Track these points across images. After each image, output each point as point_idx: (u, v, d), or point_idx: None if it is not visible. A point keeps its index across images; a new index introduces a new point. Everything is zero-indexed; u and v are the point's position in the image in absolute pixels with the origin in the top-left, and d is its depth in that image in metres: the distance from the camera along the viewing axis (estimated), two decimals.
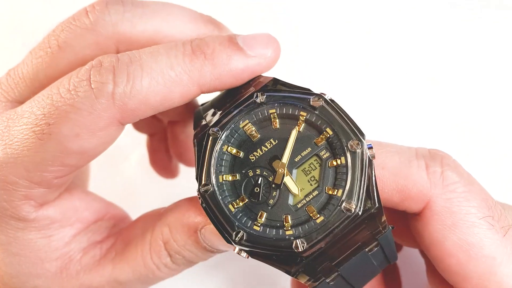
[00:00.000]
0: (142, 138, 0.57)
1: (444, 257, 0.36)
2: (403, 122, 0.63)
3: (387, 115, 0.64)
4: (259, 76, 0.38)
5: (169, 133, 0.53)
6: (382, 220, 0.36)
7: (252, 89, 0.37)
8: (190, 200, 0.39)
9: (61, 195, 0.39)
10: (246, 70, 0.36)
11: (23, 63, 0.39)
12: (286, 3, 0.69)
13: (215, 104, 0.39)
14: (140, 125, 0.53)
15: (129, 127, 0.53)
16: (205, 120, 0.38)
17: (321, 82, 0.63)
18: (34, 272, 0.38)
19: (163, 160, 0.55)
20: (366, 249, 0.36)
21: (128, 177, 0.64)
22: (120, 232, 0.42)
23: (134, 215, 0.61)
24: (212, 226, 0.36)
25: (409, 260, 0.52)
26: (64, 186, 0.38)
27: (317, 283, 0.36)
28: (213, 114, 0.38)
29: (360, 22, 0.68)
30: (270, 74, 0.38)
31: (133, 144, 0.62)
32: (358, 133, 0.35)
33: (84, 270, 0.39)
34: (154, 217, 0.40)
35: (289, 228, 0.35)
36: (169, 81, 0.34)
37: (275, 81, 0.37)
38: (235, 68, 0.35)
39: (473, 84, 0.64)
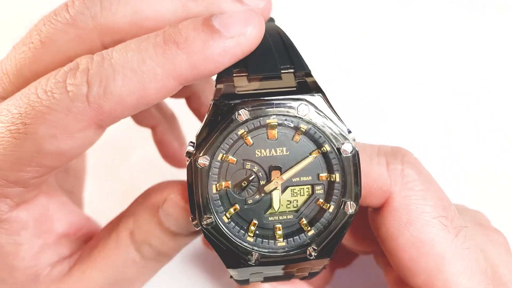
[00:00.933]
0: (142, 138, 0.57)
1: (397, 251, 0.37)
2: (394, 119, 0.63)
3: (380, 112, 0.64)
4: (302, 71, 0.36)
5: (192, 110, 0.51)
6: (325, 264, 0.37)
7: (294, 87, 0.35)
8: (155, 185, 0.38)
9: (37, 200, 0.38)
10: (225, 55, 0.33)
11: (7, 58, 0.38)
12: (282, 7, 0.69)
13: (251, 70, 0.36)
14: (139, 119, 0.53)
15: (130, 127, 0.53)
16: (234, 84, 0.35)
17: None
18: (3, 277, 0.38)
19: (173, 150, 0.54)
20: (295, 274, 0.38)
21: (128, 176, 0.64)
22: (88, 242, 0.41)
23: None
24: (174, 196, 0.35)
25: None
26: (41, 185, 0.37)
27: (241, 280, 0.37)
28: (244, 82, 0.35)
29: (357, 23, 0.68)
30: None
31: (133, 144, 0.62)
32: (358, 197, 0.35)
33: (54, 282, 0.38)
34: (119, 217, 0.40)
35: (251, 235, 0.35)
36: (142, 78, 0.32)
37: (323, 98, 0.35)
38: (212, 54, 0.33)
39: (467, 83, 0.64)
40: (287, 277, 0.38)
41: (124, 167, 0.64)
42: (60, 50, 0.36)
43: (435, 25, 0.68)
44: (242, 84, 0.35)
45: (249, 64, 0.35)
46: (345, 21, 0.69)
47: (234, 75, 0.35)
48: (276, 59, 0.36)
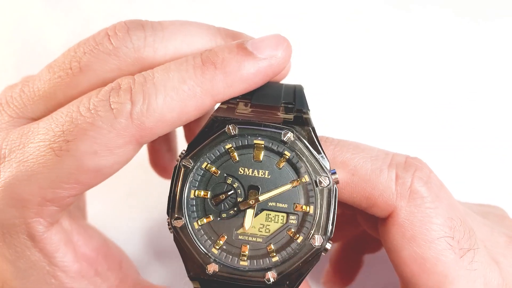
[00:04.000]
0: None
1: (400, 264, 0.37)
2: (399, 123, 0.63)
3: (386, 116, 0.64)
4: (302, 108, 0.38)
5: (185, 130, 0.53)
6: None
7: (290, 118, 0.37)
8: None
9: (62, 223, 0.39)
10: (258, 74, 0.36)
11: (39, 80, 0.39)
12: (286, 18, 0.69)
13: (255, 99, 0.39)
14: None
15: None
16: (236, 107, 0.38)
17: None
18: None
19: (163, 161, 0.55)
20: None
21: (129, 177, 0.64)
22: None
23: (134, 215, 0.62)
24: None
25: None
26: (70, 206, 0.38)
27: None
28: (245, 107, 0.38)
29: (361, 24, 0.68)
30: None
31: None
32: (329, 233, 0.36)
33: None
34: None
35: (217, 248, 0.36)
36: (183, 96, 0.35)
37: (312, 132, 0.37)
38: (247, 74, 0.36)
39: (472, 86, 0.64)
40: None
41: (125, 167, 0.65)
42: (98, 77, 0.38)
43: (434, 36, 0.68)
44: (243, 109, 0.38)
45: (254, 94, 0.38)
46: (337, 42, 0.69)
47: (238, 100, 0.38)
48: (281, 96, 0.39)
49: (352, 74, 0.67)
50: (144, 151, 0.57)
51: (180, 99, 0.35)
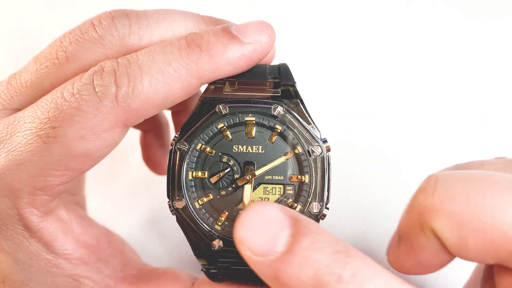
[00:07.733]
0: None
1: None
2: (409, 126, 0.63)
3: (391, 119, 0.63)
4: (288, 81, 0.39)
5: (175, 123, 0.53)
6: None
7: (277, 92, 0.38)
8: None
9: (59, 213, 0.39)
10: (243, 58, 0.37)
11: (26, 72, 0.39)
12: (282, 6, 0.69)
13: (242, 77, 0.39)
14: None
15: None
16: (224, 87, 0.38)
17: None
18: (43, 282, 0.38)
19: (156, 156, 0.56)
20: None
21: (128, 176, 0.64)
22: None
23: (135, 215, 0.62)
24: None
25: None
26: (60, 195, 0.38)
27: (210, 271, 0.39)
28: (233, 85, 0.39)
29: (363, 21, 0.68)
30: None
31: (134, 144, 0.62)
32: (326, 199, 0.37)
33: None
34: None
35: (220, 224, 0.38)
36: (168, 78, 0.35)
37: (300, 104, 0.38)
38: (232, 57, 0.36)
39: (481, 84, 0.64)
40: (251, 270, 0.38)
41: (124, 167, 0.65)
42: (85, 66, 0.38)
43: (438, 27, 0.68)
44: (231, 88, 0.38)
45: (240, 74, 0.39)
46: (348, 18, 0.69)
47: (225, 79, 0.39)
48: (266, 72, 0.40)
49: (354, 74, 0.67)
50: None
51: (166, 81, 0.35)
